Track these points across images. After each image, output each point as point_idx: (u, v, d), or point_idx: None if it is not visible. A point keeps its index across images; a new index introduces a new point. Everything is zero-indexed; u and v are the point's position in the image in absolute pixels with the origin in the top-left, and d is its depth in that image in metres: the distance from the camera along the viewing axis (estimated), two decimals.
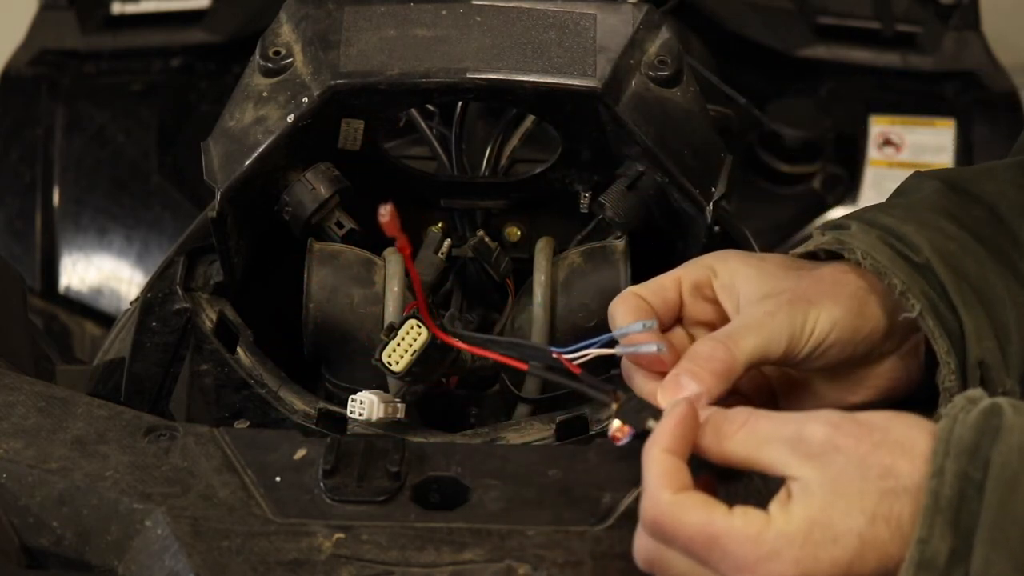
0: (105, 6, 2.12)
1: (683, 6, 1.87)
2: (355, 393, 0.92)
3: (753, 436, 0.74)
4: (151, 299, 1.05)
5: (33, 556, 0.81)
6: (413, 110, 1.19)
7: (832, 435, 0.71)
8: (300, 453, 0.85)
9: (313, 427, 0.96)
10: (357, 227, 1.03)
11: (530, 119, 1.16)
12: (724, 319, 0.86)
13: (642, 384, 0.83)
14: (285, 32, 1.03)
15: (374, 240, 1.00)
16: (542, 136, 1.17)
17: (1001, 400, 0.72)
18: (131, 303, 1.12)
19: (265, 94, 1.00)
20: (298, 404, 0.98)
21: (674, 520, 0.72)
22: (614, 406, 0.79)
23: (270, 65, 1.01)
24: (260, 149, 0.99)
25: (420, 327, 0.88)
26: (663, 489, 0.73)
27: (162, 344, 1.03)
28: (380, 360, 0.89)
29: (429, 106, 1.22)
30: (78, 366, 1.14)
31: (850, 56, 2.15)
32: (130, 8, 2.12)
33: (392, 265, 1.00)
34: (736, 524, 0.70)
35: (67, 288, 1.94)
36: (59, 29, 2.08)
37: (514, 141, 1.16)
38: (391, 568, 0.77)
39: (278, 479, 0.83)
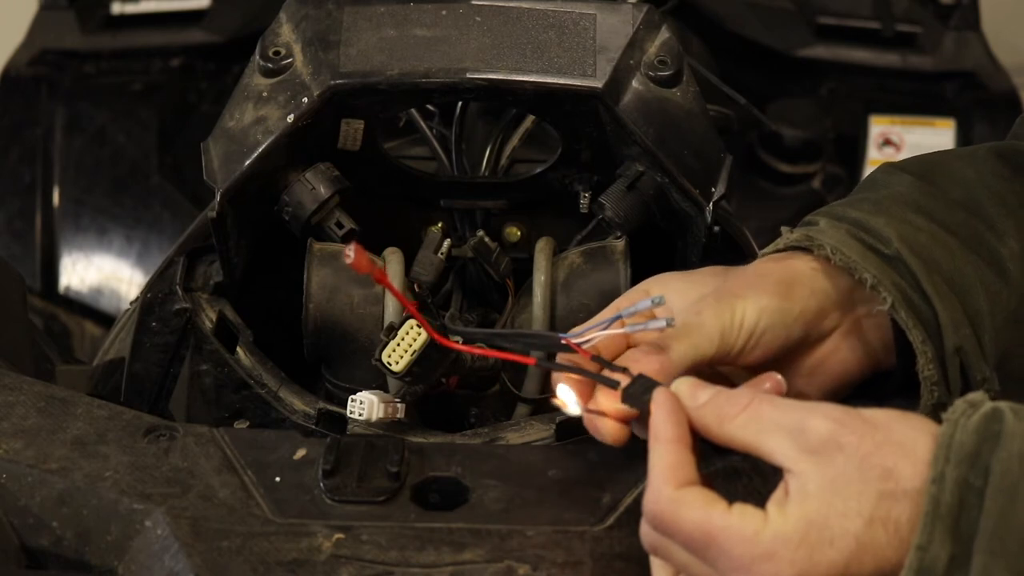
0: (105, 6, 2.12)
1: (683, 6, 1.87)
2: (355, 393, 0.92)
3: (755, 420, 0.74)
4: (151, 299, 1.05)
5: (33, 556, 0.81)
6: (413, 110, 1.19)
7: (835, 431, 0.71)
8: (300, 453, 0.85)
9: (313, 427, 0.96)
10: (357, 227, 1.03)
11: (530, 119, 1.16)
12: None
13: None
14: (285, 32, 1.03)
15: (374, 240, 1.00)
16: (542, 136, 1.17)
17: (1002, 405, 0.71)
18: (131, 303, 1.12)
19: (265, 94, 1.00)
20: (298, 404, 0.98)
21: (674, 516, 0.72)
22: (622, 385, 0.79)
23: (270, 65, 1.01)
24: (260, 149, 0.99)
25: (419, 327, 0.88)
26: (665, 484, 0.73)
27: (162, 344, 1.03)
28: (380, 360, 0.89)
29: (429, 106, 1.22)
30: (78, 366, 1.14)
31: (850, 56, 2.15)
32: (130, 8, 2.12)
33: (392, 265, 1.00)
34: (733, 523, 0.70)
35: (67, 288, 1.94)
36: (59, 29, 2.08)
37: (514, 141, 1.16)
38: (391, 568, 0.77)
39: (278, 479, 0.83)
